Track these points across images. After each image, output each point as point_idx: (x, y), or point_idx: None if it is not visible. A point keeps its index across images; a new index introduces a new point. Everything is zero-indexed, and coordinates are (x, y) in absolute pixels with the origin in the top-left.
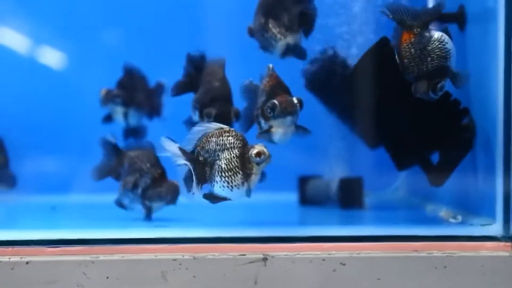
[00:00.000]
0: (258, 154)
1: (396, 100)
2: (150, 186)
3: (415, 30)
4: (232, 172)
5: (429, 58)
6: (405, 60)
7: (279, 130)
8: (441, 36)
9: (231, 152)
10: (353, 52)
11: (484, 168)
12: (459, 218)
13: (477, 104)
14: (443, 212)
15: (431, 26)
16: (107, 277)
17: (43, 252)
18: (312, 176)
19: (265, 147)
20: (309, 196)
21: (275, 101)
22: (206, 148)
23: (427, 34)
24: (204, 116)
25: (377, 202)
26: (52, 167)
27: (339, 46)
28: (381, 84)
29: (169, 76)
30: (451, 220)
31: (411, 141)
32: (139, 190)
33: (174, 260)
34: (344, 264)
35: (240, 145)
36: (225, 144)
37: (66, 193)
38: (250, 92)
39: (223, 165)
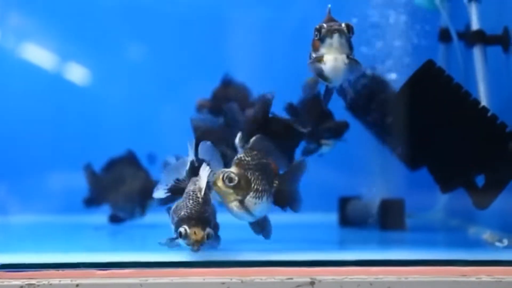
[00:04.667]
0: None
1: (442, 122)
2: None
3: None
4: None
5: None
6: None
7: (329, 56)
8: None
9: None
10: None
11: None
12: (505, 241)
13: None
14: (487, 235)
15: None
16: None
17: (93, 274)
18: (353, 197)
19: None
20: (349, 217)
21: (322, 23)
22: None
23: None
24: None
25: (418, 224)
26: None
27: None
28: (426, 106)
29: None
30: (497, 243)
31: (456, 163)
32: None
33: (222, 283)
34: None
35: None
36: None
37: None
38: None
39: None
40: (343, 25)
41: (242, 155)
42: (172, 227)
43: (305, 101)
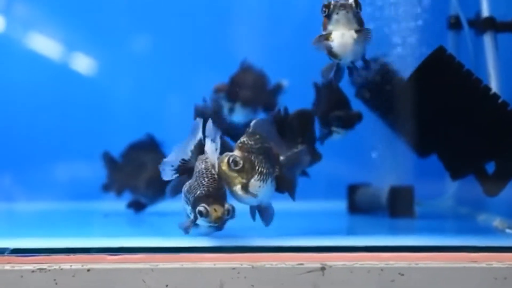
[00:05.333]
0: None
1: (452, 109)
2: None
3: None
4: None
5: None
6: None
7: (337, 33)
8: None
9: None
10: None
11: None
12: None
13: None
14: (497, 222)
15: None
16: (166, 285)
17: (104, 259)
18: (362, 184)
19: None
20: (358, 205)
21: (330, 0)
22: None
23: None
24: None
25: (427, 212)
26: (91, 173)
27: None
28: (436, 93)
29: None
30: (507, 230)
31: (467, 150)
32: None
33: (233, 269)
34: (402, 275)
35: None
36: None
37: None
38: None
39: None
40: (350, 0)
41: (245, 139)
42: (187, 208)
43: (323, 86)
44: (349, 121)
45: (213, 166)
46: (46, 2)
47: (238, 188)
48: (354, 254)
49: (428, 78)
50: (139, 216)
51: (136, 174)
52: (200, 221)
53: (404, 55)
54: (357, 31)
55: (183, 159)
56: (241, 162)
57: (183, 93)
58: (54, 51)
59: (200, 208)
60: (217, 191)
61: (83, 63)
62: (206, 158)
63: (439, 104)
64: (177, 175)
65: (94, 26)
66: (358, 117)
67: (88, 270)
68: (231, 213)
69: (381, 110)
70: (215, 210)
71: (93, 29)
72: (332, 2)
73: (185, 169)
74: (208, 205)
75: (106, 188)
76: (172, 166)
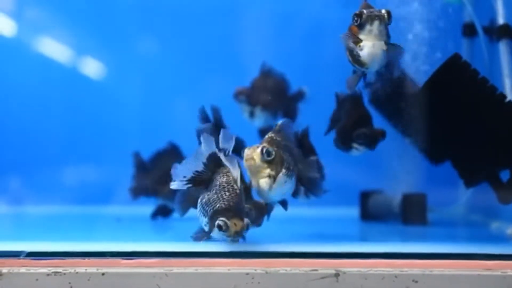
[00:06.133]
0: None
1: (467, 116)
2: None
3: None
4: None
5: None
6: None
7: (368, 42)
8: None
9: None
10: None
11: None
12: None
13: None
14: (510, 230)
15: None
16: None
17: (119, 263)
18: (374, 191)
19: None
20: (371, 211)
21: (362, 10)
22: None
23: None
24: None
25: (440, 219)
26: (102, 177)
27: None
28: (451, 100)
29: None
30: None
31: (481, 158)
32: None
33: (247, 274)
34: (416, 282)
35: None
36: None
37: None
38: None
39: None
40: (383, 11)
41: (272, 135)
42: (203, 220)
43: (345, 99)
44: (373, 139)
45: (235, 180)
46: (53, 4)
47: (265, 181)
48: (368, 260)
49: (443, 85)
50: (151, 221)
51: (164, 180)
52: (217, 234)
53: (418, 62)
54: (386, 43)
55: (196, 171)
56: (274, 153)
57: (192, 97)
58: (63, 54)
59: (220, 222)
60: (237, 205)
61: (93, 67)
62: (228, 172)
63: (453, 111)
64: (190, 185)
65: (104, 30)
66: (382, 135)
67: (103, 274)
68: (248, 228)
69: (394, 117)
70: (235, 224)
71: (103, 33)
72: (365, 12)
73: (200, 181)
74: (228, 219)
75: (134, 191)
76: (185, 177)
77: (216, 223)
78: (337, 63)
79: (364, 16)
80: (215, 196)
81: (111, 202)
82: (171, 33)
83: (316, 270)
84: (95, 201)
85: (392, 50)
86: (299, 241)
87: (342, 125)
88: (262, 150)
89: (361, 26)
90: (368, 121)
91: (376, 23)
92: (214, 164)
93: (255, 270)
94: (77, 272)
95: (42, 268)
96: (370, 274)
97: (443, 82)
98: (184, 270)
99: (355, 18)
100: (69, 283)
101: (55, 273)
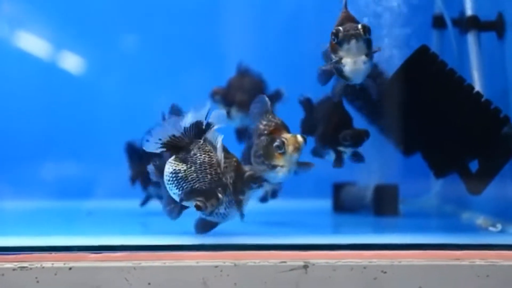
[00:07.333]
0: None
1: (435, 108)
2: None
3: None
4: None
5: None
6: None
7: (348, 60)
8: None
9: None
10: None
11: None
12: (499, 226)
13: None
14: (480, 220)
15: None
16: (149, 283)
17: (86, 258)
18: (347, 183)
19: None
20: (343, 203)
21: (338, 27)
22: None
23: None
24: None
25: (411, 210)
26: (78, 172)
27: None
28: (420, 92)
29: None
30: (491, 228)
31: (450, 149)
32: None
33: (216, 267)
34: (385, 272)
35: None
36: None
37: (92, 199)
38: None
39: None
40: (359, 26)
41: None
42: (176, 191)
43: (323, 103)
44: (359, 139)
45: (218, 163)
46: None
47: (287, 170)
48: (337, 252)
49: (411, 77)
50: (122, 215)
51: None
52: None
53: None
54: (367, 55)
55: (173, 135)
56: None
57: (174, 94)
58: (42, 50)
59: (198, 202)
60: (214, 190)
61: (72, 62)
62: (209, 151)
63: (422, 103)
64: (163, 149)
65: (85, 25)
66: (367, 135)
67: (70, 268)
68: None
69: (365, 109)
70: (211, 204)
71: (84, 28)
72: (342, 30)
73: (174, 147)
74: (207, 201)
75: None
76: (160, 139)
77: (194, 204)
78: (316, 63)
79: (340, 35)
80: (195, 175)
81: (87, 196)
82: (149, 29)
83: (285, 262)
84: (70, 196)
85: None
86: (269, 233)
87: (322, 131)
88: (303, 138)
89: (339, 44)
90: (350, 122)
91: (353, 41)
92: (195, 133)
93: (224, 262)
94: (43, 267)
95: (8, 263)
96: (339, 265)
97: (411, 73)
98: (152, 264)
99: (333, 37)
100: (36, 278)
101: (21, 268)
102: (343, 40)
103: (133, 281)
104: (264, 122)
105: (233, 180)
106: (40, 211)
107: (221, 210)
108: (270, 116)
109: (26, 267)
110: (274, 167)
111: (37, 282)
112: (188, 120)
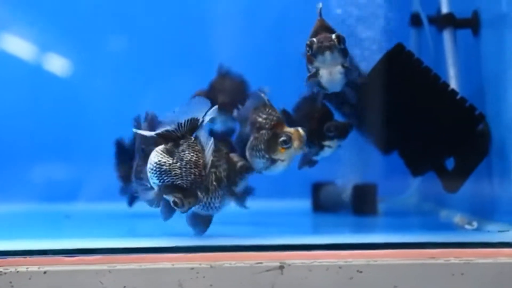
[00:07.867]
0: None
1: (411, 106)
2: None
3: None
4: None
5: None
6: None
7: (324, 71)
8: None
9: None
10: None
11: (500, 174)
12: (475, 224)
13: (493, 110)
14: (457, 218)
15: None
16: (124, 286)
17: (61, 261)
18: (325, 182)
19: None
20: (322, 203)
21: (312, 38)
22: None
23: None
24: None
25: (390, 209)
26: (60, 175)
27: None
28: (395, 90)
29: None
30: (467, 226)
31: (426, 147)
32: None
33: (191, 269)
34: (361, 272)
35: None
36: None
37: (74, 202)
38: None
39: None
40: (333, 37)
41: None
42: (156, 181)
43: (304, 101)
44: (344, 130)
45: (205, 166)
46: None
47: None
48: (313, 252)
49: (386, 75)
50: (104, 218)
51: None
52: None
53: (366, 53)
54: (343, 66)
55: (167, 130)
56: None
57: (160, 95)
58: (28, 51)
59: (176, 199)
60: (195, 190)
61: (58, 63)
62: (199, 151)
63: (398, 101)
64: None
65: (72, 26)
66: (351, 126)
67: (45, 272)
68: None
69: (342, 107)
70: (189, 203)
71: (71, 29)
72: (316, 42)
73: (166, 138)
74: (185, 198)
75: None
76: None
77: (172, 200)
78: (299, 62)
79: (314, 47)
80: (179, 171)
81: (71, 199)
82: (136, 31)
83: (261, 263)
84: (54, 199)
85: (348, 71)
86: (246, 234)
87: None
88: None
89: (314, 56)
90: (332, 117)
91: (327, 53)
92: (188, 130)
93: (200, 264)
94: (18, 271)
95: None
96: (314, 265)
97: (387, 71)
98: (128, 266)
99: (307, 49)
100: (10, 282)
101: None
102: (317, 52)
103: (108, 284)
104: (264, 116)
105: (226, 173)
106: (20, 215)
107: (216, 203)
108: (270, 110)
109: (0, 271)
110: (275, 161)
111: (12, 286)
112: (186, 115)
